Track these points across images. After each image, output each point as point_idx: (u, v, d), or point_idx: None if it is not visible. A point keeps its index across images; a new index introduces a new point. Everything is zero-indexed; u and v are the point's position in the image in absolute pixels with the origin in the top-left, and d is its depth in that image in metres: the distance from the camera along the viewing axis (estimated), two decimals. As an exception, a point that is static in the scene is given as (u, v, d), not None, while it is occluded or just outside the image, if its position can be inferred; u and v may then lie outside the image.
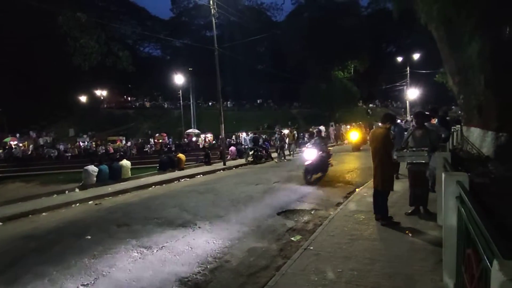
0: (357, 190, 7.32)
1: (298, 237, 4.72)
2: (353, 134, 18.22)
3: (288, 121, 35.62)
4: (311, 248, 3.99)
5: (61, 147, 25.92)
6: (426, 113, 6.16)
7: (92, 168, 10.62)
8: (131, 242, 4.89)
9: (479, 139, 8.49)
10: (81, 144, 28.08)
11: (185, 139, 27.69)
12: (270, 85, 46.41)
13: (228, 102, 46.02)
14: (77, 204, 8.04)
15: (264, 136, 20.83)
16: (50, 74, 33.66)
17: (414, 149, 4.88)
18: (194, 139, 27.75)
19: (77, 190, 9.89)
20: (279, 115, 41.43)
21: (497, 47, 7.17)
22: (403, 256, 3.60)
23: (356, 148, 17.06)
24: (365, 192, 6.67)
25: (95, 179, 10.58)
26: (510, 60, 7.00)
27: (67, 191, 9.71)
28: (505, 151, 7.73)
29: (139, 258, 4.28)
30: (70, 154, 24.33)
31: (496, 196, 5.19)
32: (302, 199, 7.05)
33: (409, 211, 5.00)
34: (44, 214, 7.26)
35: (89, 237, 5.26)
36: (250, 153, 15.54)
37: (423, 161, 4.71)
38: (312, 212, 6.00)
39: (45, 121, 36.67)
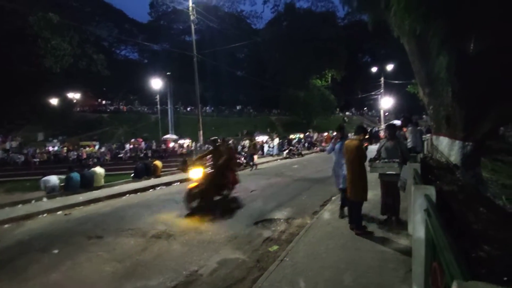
0: (333, 198, 7.45)
1: (275, 247, 4.72)
2: (195, 172, 7.39)
3: (267, 128, 35.88)
4: (287, 259, 4.00)
5: (29, 152, 24.59)
6: (397, 122, 6.40)
7: (52, 179, 10.18)
8: (102, 255, 4.70)
9: (447, 148, 8.92)
10: (51, 149, 26.76)
11: (156, 144, 26.91)
12: (250, 92, 46.67)
13: (207, 108, 45.78)
14: (45, 215, 7.62)
15: (243, 143, 20.81)
16: (18, 75, 31.97)
17: (386, 160, 5.07)
18: (171, 145, 27.25)
19: (44, 199, 9.37)
20: (258, 122, 41.68)
21: (463, 62, 7.60)
22: (375, 266, 3.69)
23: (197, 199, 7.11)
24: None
25: (60, 186, 10.18)
26: (475, 74, 7.46)
27: (33, 201, 9.17)
28: (470, 159, 8.21)
29: (111, 272, 4.11)
30: (38, 159, 23.11)
31: (463, 203, 5.46)
32: (280, 207, 7.08)
33: (382, 221, 5.15)
34: (6, 226, 6.82)
35: (56, 251, 5.00)
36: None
37: (394, 172, 4.89)
38: (289, 221, 6.03)
39: (11, 124, 34.68)
